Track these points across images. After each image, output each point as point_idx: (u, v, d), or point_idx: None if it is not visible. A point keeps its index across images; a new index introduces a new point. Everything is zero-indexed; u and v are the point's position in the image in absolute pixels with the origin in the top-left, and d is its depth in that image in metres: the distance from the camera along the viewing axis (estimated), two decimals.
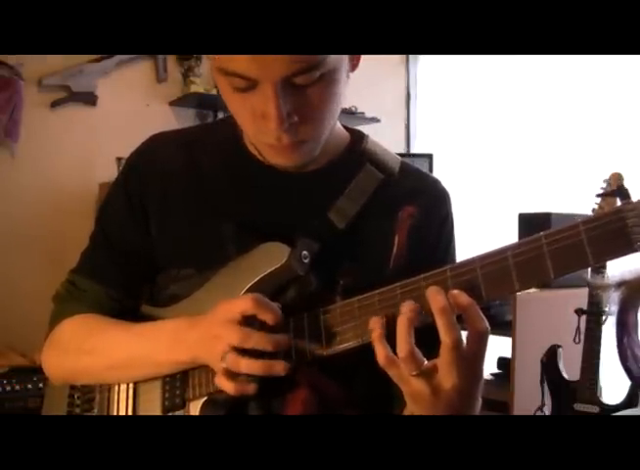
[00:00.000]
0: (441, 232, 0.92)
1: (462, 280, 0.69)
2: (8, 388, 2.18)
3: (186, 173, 0.91)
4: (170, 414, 0.85)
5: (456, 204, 0.96)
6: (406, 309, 0.69)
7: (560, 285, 2.42)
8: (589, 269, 1.88)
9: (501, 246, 0.68)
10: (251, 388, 0.77)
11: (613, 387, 2.24)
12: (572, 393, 2.16)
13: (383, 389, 0.82)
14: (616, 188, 2.04)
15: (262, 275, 0.82)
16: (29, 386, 2.20)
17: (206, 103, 3.03)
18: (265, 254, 0.83)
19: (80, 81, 2.80)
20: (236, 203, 0.89)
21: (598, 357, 2.12)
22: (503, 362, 2.64)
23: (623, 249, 0.61)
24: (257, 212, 0.88)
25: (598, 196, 2.09)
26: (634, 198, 0.62)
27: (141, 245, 0.92)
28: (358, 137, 0.94)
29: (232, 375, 0.77)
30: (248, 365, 0.75)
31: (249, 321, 0.76)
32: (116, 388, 0.91)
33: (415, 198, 0.91)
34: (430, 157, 3.14)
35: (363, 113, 3.28)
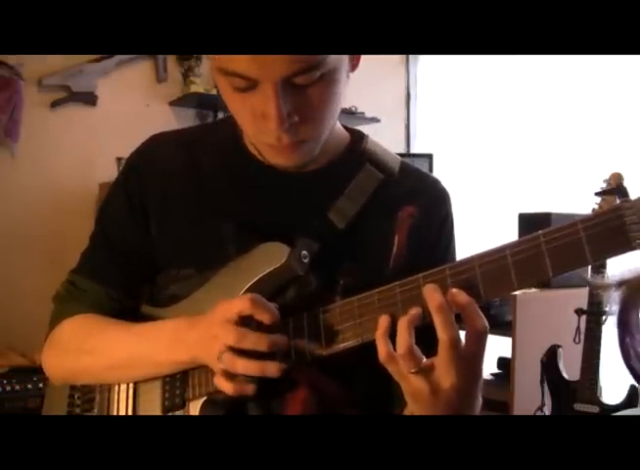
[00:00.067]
0: (441, 232, 0.92)
1: (461, 279, 0.69)
2: (8, 388, 2.18)
3: (186, 173, 0.91)
4: (170, 414, 0.85)
5: (456, 204, 0.96)
6: (410, 312, 0.69)
7: (560, 285, 2.43)
8: (589, 269, 1.89)
9: (500, 245, 0.68)
10: (249, 388, 0.77)
11: (613, 387, 2.24)
12: (572, 393, 2.16)
13: (383, 388, 0.82)
14: (615, 187, 2.04)
15: (262, 275, 0.82)
16: (29, 386, 2.20)
17: (206, 103, 3.03)
18: (265, 254, 0.83)
19: (80, 81, 2.80)
20: (236, 203, 0.89)
21: (598, 357, 2.12)
22: (503, 362, 2.64)
23: (622, 247, 0.61)
24: (257, 212, 0.88)
25: (597, 194, 2.09)
26: (633, 196, 0.62)
27: (141, 245, 0.92)
28: (358, 137, 0.95)
29: (230, 375, 0.77)
30: (244, 365, 0.75)
31: (245, 321, 0.76)
32: (116, 388, 0.91)
33: (415, 198, 0.91)
34: (430, 157, 3.14)
35: (363, 113, 3.28)
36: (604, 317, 2.11)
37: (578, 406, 2.14)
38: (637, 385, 2.02)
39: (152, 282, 0.93)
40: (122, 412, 0.89)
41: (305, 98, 0.76)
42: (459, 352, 0.68)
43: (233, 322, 0.76)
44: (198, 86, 2.99)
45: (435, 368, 0.69)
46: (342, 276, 0.85)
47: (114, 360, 0.88)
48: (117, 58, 2.88)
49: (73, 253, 1.00)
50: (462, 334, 0.69)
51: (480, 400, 0.75)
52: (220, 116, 3.00)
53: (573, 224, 0.63)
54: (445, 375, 0.69)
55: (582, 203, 2.20)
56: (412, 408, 0.75)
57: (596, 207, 2.09)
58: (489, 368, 2.69)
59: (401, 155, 0.97)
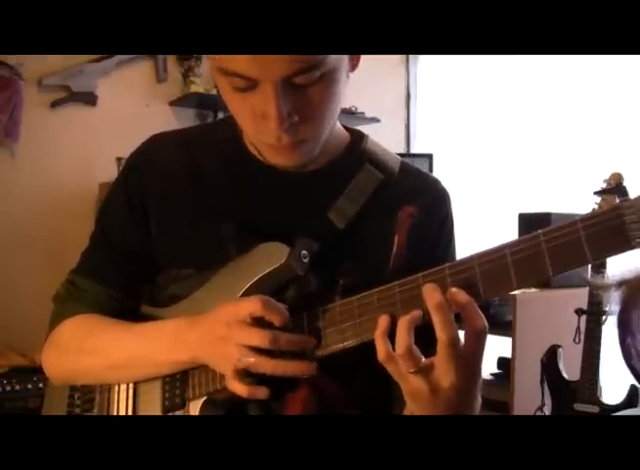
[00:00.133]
0: (441, 232, 0.92)
1: (460, 278, 0.69)
2: (8, 388, 2.18)
3: (186, 173, 0.91)
4: (170, 414, 0.85)
5: (456, 204, 0.96)
6: (411, 313, 0.69)
7: (560, 285, 2.43)
8: (589, 269, 1.89)
9: (499, 244, 0.69)
10: (261, 391, 0.76)
11: (613, 387, 2.24)
12: (572, 393, 2.16)
13: (382, 388, 0.82)
14: (614, 186, 2.04)
15: (262, 275, 0.82)
16: (29, 386, 2.20)
17: (206, 103, 3.03)
18: (265, 253, 0.83)
19: (80, 81, 2.80)
20: (236, 203, 0.89)
21: (598, 357, 2.12)
22: (503, 362, 2.64)
23: (621, 246, 0.62)
24: (257, 212, 0.88)
25: (596, 194, 2.09)
26: (632, 196, 0.62)
27: (141, 245, 0.92)
28: (358, 137, 0.95)
29: (243, 377, 0.77)
30: (274, 365, 0.75)
31: (255, 323, 0.76)
32: (116, 388, 0.91)
33: (415, 198, 0.91)
34: (430, 157, 3.14)
35: (363, 113, 3.28)
36: (604, 317, 2.11)
37: (578, 406, 2.15)
38: (638, 385, 2.02)
39: (152, 282, 0.93)
40: (122, 412, 0.89)
41: (305, 98, 0.76)
42: (458, 351, 0.68)
43: (246, 323, 0.76)
44: (198, 86, 2.99)
45: (435, 368, 0.69)
46: (341, 276, 0.85)
47: (114, 360, 0.88)
48: (117, 58, 2.88)
49: (73, 253, 1.00)
50: (461, 333, 0.69)
51: (479, 400, 0.75)
52: (220, 116, 3.00)
53: (573, 223, 0.64)
54: (444, 374, 0.69)
55: (582, 203, 2.20)
56: (411, 408, 0.75)
57: (596, 206, 2.09)
58: (489, 368, 2.69)
59: (401, 155, 0.97)
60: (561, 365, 2.22)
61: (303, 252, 0.82)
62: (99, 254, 0.95)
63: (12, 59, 2.60)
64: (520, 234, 2.50)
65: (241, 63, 0.73)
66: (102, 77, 2.87)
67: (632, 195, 0.63)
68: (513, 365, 2.39)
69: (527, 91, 3.16)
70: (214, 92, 2.93)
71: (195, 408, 0.84)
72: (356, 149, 0.92)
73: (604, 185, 2.10)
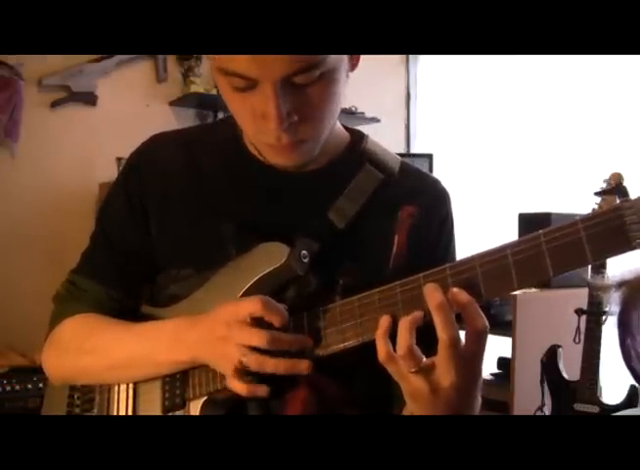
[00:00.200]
0: (441, 232, 0.92)
1: (461, 278, 0.69)
2: (8, 388, 2.18)
3: (186, 173, 0.91)
4: (170, 414, 0.85)
5: (456, 204, 0.96)
6: (412, 314, 0.69)
7: (560, 285, 2.43)
8: (589, 270, 1.89)
9: (500, 244, 0.69)
10: (261, 390, 0.77)
11: (613, 387, 2.24)
12: (572, 393, 2.16)
13: (382, 388, 0.82)
14: (615, 187, 2.04)
15: (262, 275, 0.82)
16: (29, 386, 2.20)
17: (206, 103, 3.03)
18: (265, 253, 0.83)
19: (80, 81, 2.80)
20: (236, 203, 0.89)
21: (598, 357, 2.12)
22: (503, 362, 2.64)
23: (622, 246, 0.62)
24: (257, 212, 0.88)
25: (596, 194, 2.09)
26: (633, 196, 0.62)
27: (141, 245, 0.92)
28: (358, 137, 0.95)
29: (242, 376, 0.77)
30: (274, 364, 0.75)
31: (255, 323, 0.76)
32: (116, 388, 0.91)
33: (415, 198, 0.91)
34: (430, 157, 3.14)
35: (363, 113, 3.28)
36: (604, 317, 2.11)
37: (578, 406, 2.15)
38: (638, 385, 2.02)
39: (152, 282, 0.93)
40: (122, 412, 0.89)
41: (305, 97, 0.76)
42: (459, 351, 0.68)
43: (246, 323, 0.76)
44: (198, 86, 2.99)
45: (435, 368, 0.69)
46: (342, 276, 0.85)
47: (114, 360, 0.88)
48: (117, 58, 2.88)
49: (73, 253, 1.00)
50: (462, 333, 0.69)
51: (479, 400, 0.75)
52: (220, 116, 3.00)
53: (574, 224, 0.64)
54: (445, 374, 0.69)
55: (582, 203, 2.20)
56: (411, 408, 0.75)
57: (596, 207, 2.09)
58: (489, 368, 2.69)
59: (401, 155, 0.97)
60: (561, 365, 2.22)
61: (303, 252, 0.82)
62: (99, 254, 0.95)
63: (12, 59, 2.60)
64: (520, 234, 2.50)
65: (241, 63, 0.73)
66: (102, 77, 2.87)
67: (633, 195, 0.63)
68: (513, 365, 2.39)
69: (527, 91, 3.16)
70: (214, 92, 2.93)
71: (195, 408, 0.84)
72: (356, 149, 0.92)
73: (604, 185, 2.10)
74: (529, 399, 2.27)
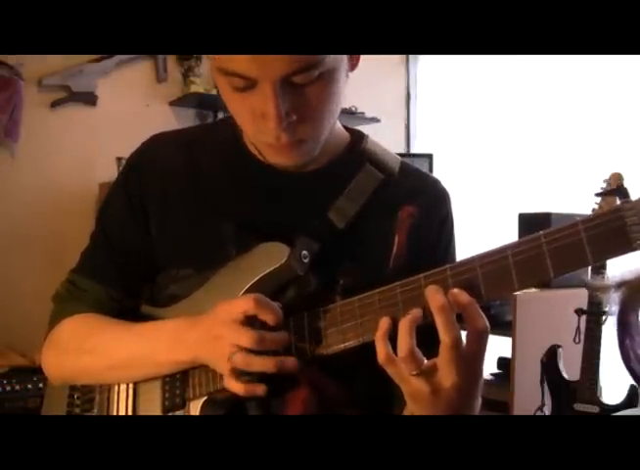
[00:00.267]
0: (441, 232, 0.92)
1: (462, 279, 0.69)
2: (8, 388, 2.18)
3: (186, 173, 0.91)
4: (170, 414, 0.85)
5: (456, 204, 0.96)
6: (411, 313, 0.69)
7: (560, 285, 2.43)
8: (589, 270, 1.89)
9: (501, 245, 0.68)
10: (259, 389, 0.77)
11: (613, 387, 2.24)
12: (572, 393, 2.16)
13: (383, 388, 0.82)
14: (615, 187, 2.04)
15: (262, 275, 0.82)
16: (29, 386, 2.20)
17: (206, 103, 3.03)
18: (265, 253, 0.83)
19: (80, 81, 2.80)
20: (236, 203, 0.89)
21: (598, 357, 2.12)
22: (503, 362, 2.65)
23: (622, 248, 0.61)
24: (257, 212, 0.88)
25: (597, 195, 2.09)
26: (634, 197, 0.62)
27: (141, 245, 0.92)
28: (358, 137, 0.95)
29: (239, 376, 0.77)
30: (260, 363, 0.75)
31: (249, 321, 0.76)
32: (116, 388, 0.91)
33: (415, 198, 0.91)
34: (430, 157, 3.15)
35: (363, 113, 3.28)
36: (604, 317, 2.11)
37: (578, 406, 2.15)
38: (637, 385, 2.02)
39: (152, 282, 0.93)
40: (122, 412, 0.89)
41: (304, 97, 0.76)
42: (460, 352, 0.68)
43: (239, 322, 0.76)
44: (198, 86, 2.99)
45: (437, 369, 0.69)
46: (342, 276, 0.85)
47: (114, 360, 0.88)
48: (117, 58, 2.88)
49: (73, 253, 1.00)
50: (463, 334, 0.69)
51: (479, 401, 0.75)
52: (220, 116, 3.00)
53: (574, 225, 0.63)
54: (446, 375, 0.69)
55: (582, 203, 2.20)
56: (412, 408, 0.75)
57: (596, 207, 2.09)
58: (489, 368, 2.69)
59: (401, 155, 0.97)
60: (561, 365, 2.22)
61: (304, 252, 0.82)
62: (99, 253, 0.95)
63: (12, 59, 2.60)
64: (520, 234, 2.50)
65: (240, 62, 0.73)
66: (102, 77, 2.87)
67: (633, 196, 0.63)
68: (513, 365, 2.39)
69: (528, 91, 3.16)
70: (214, 92, 2.93)
71: (195, 408, 0.84)
72: (356, 149, 0.92)
73: (604, 185, 2.10)
74: (529, 399, 2.27)
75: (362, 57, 0.83)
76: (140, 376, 0.88)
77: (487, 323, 0.68)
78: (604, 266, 1.73)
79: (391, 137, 3.57)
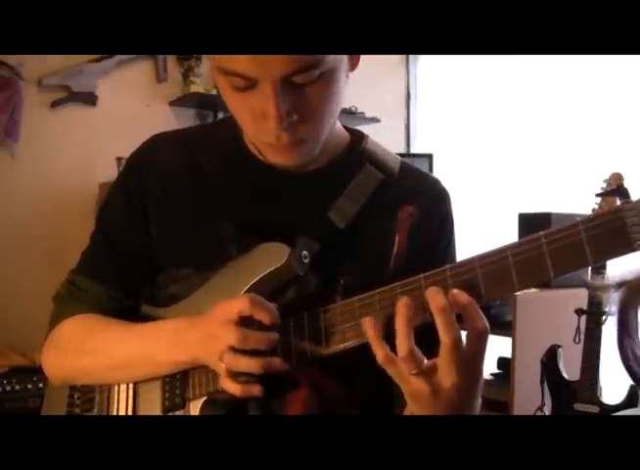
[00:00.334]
0: (441, 232, 0.92)
1: (462, 279, 0.69)
2: (8, 388, 2.18)
3: (186, 173, 0.91)
4: (170, 414, 0.85)
5: (456, 204, 0.96)
6: (402, 307, 0.69)
7: (560, 285, 2.42)
8: (589, 270, 1.89)
9: (501, 245, 0.68)
10: (256, 389, 0.77)
11: (613, 387, 2.24)
12: (572, 393, 2.16)
13: (383, 388, 0.82)
14: (615, 188, 2.04)
15: (262, 275, 0.82)
16: (29, 386, 2.20)
17: (206, 103, 3.03)
18: (265, 254, 0.83)
19: (80, 81, 2.80)
20: (236, 203, 0.89)
21: (598, 357, 2.12)
22: (503, 362, 2.65)
23: (623, 248, 0.61)
24: (257, 212, 0.88)
25: (597, 195, 2.09)
26: (634, 197, 0.62)
27: (141, 245, 0.92)
28: (358, 137, 0.95)
29: (235, 376, 0.77)
30: (246, 363, 0.75)
31: (246, 321, 0.76)
32: (116, 388, 0.91)
33: (415, 197, 0.91)
34: (430, 157, 3.15)
35: (363, 113, 3.28)
36: (604, 317, 2.11)
37: (578, 406, 2.15)
38: (636, 386, 2.03)
39: (152, 282, 0.93)
40: (122, 412, 0.89)
41: (304, 97, 0.76)
42: (460, 352, 0.68)
43: (234, 322, 0.76)
44: (198, 86, 2.99)
45: (437, 369, 0.69)
46: (342, 276, 0.85)
47: (114, 360, 0.88)
48: (117, 58, 2.88)
49: (73, 253, 1.00)
50: (463, 334, 0.69)
51: (479, 401, 0.75)
52: (220, 116, 3.00)
53: (574, 225, 0.63)
54: (447, 375, 0.69)
55: (582, 203, 2.20)
56: (412, 408, 0.75)
57: (596, 207, 2.09)
58: (489, 368, 2.69)
59: (401, 155, 0.97)
60: (561, 365, 2.22)
61: (304, 252, 0.82)
62: (99, 253, 0.95)
63: (12, 59, 2.60)
64: (520, 234, 2.50)
65: (240, 62, 0.73)
66: (102, 77, 2.87)
67: (633, 196, 0.63)
68: (513, 365, 2.39)
69: (528, 91, 3.16)
70: (214, 92, 2.93)
71: (195, 408, 0.84)
72: (356, 149, 0.92)
73: (604, 185, 2.10)
74: (529, 399, 2.27)
75: (362, 57, 0.83)
76: (140, 376, 0.88)
77: (487, 323, 0.68)
78: (604, 266, 1.74)
79: (391, 137, 3.57)
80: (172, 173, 0.91)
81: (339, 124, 0.92)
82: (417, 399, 0.72)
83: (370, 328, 0.71)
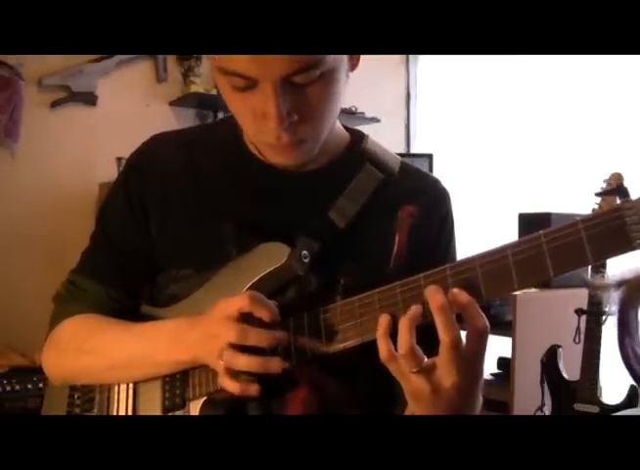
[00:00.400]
0: (442, 231, 0.92)
1: (462, 278, 0.69)
2: (8, 388, 2.18)
3: (186, 173, 0.91)
4: (170, 414, 0.85)
5: (456, 203, 0.96)
6: (410, 310, 0.69)
7: (560, 285, 2.43)
8: (589, 269, 1.89)
9: (500, 244, 0.69)
10: (253, 388, 0.76)
11: (613, 387, 2.24)
12: (572, 393, 2.16)
13: (384, 387, 0.82)
14: (615, 187, 2.04)
15: (262, 275, 0.82)
16: (29, 386, 2.20)
17: (206, 103, 3.03)
18: (265, 253, 0.83)
19: (80, 81, 2.80)
20: (236, 203, 0.89)
21: (598, 357, 2.12)
22: (503, 362, 2.65)
23: (622, 247, 0.61)
24: (257, 212, 0.88)
25: (597, 195, 2.09)
26: (634, 197, 0.62)
27: (141, 245, 0.92)
28: (358, 137, 0.95)
29: (234, 374, 0.77)
30: (245, 362, 0.75)
31: (246, 319, 0.76)
32: (116, 388, 0.91)
33: (415, 197, 0.91)
34: (430, 157, 3.15)
35: (363, 113, 3.28)
36: (604, 317, 2.11)
37: (578, 406, 2.15)
38: (637, 385, 2.03)
39: (152, 282, 0.93)
40: (122, 412, 0.89)
41: (305, 97, 0.76)
42: (460, 351, 0.68)
43: (234, 319, 0.76)
44: (198, 86, 2.99)
45: (437, 368, 0.69)
46: (342, 276, 0.85)
47: (114, 360, 0.88)
48: (117, 58, 2.88)
49: (73, 253, 1.00)
50: (463, 334, 0.69)
51: (480, 400, 0.75)
52: (220, 116, 3.00)
53: (574, 224, 0.64)
54: (446, 375, 0.69)
55: (582, 203, 2.20)
56: (413, 408, 0.75)
57: (596, 207, 2.09)
58: (489, 368, 2.69)
59: (401, 155, 0.97)
60: (561, 365, 2.22)
61: (304, 252, 0.82)
62: (99, 254, 0.95)
63: (12, 59, 2.60)
64: (520, 234, 2.50)
65: (240, 62, 0.73)
66: (102, 77, 2.87)
67: (633, 195, 0.63)
68: (513, 365, 2.39)
69: (527, 91, 3.16)
70: (214, 92, 2.93)
71: (195, 408, 0.84)
72: (356, 149, 0.92)
73: (604, 185, 2.10)
74: (529, 399, 2.27)
75: (362, 57, 0.83)
76: (140, 376, 0.88)
77: (487, 323, 0.68)
78: (604, 265, 1.74)
79: (391, 137, 3.57)
80: (172, 173, 0.91)
81: (339, 124, 0.92)
82: (417, 398, 0.72)
83: (381, 324, 0.71)
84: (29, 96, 2.69)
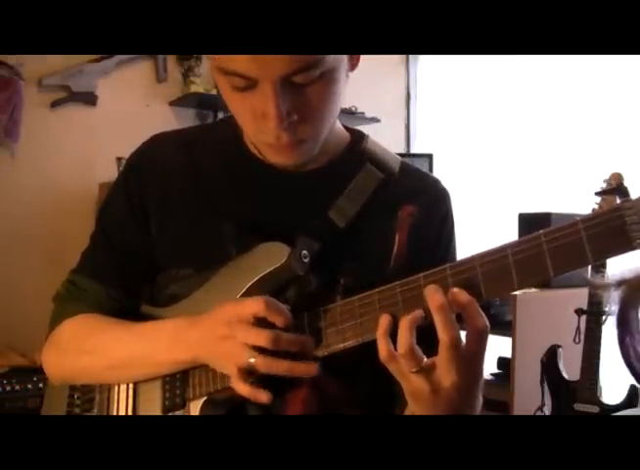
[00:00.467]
0: (442, 231, 0.92)
1: (462, 278, 0.69)
2: (8, 388, 2.18)
3: (186, 173, 0.91)
4: (170, 414, 0.85)
5: (456, 203, 0.96)
6: (411, 311, 0.69)
7: (560, 285, 2.43)
8: (589, 269, 1.89)
9: (500, 244, 0.69)
10: (265, 395, 0.76)
11: (613, 387, 2.24)
12: (572, 393, 2.16)
13: (384, 387, 0.82)
14: (615, 187, 2.04)
15: (262, 275, 0.82)
16: (29, 386, 2.20)
17: (206, 103, 3.03)
18: (265, 253, 0.83)
19: (80, 81, 2.80)
20: (236, 202, 0.89)
21: (598, 357, 2.12)
22: (503, 362, 2.65)
23: (622, 246, 0.61)
24: (257, 212, 0.88)
25: (597, 194, 2.09)
26: (633, 196, 0.62)
27: (141, 245, 0.92)
28: (358, 137, 0.95)
29: (247, 378, 0.76)
30: (286, 367, 0.75)
31: (258, 323, 0.76)
32: (116, 388, 0.91)
33: (415, 197, 0.91)
34: (430, 157, 3.15)
35: (363, 113, 3.28)
36: (604, 317, 2.11)
37: (578, 406, 2.15)
38: (637, 385, 2.03)
39: (152, 282, 0.93)
40: (122, 412, 0.89)
41: (304, 97, 0.76)
42: (460, 351, 0.68)
43: (249, 323, 0.76)
44: (198, 86, 2.99)
45: (436, 368, 0.69)
46: (342, 276, 0.85)
47: (115, 360, 0.88)
48: (117, 58, 2.88)
49: (73, 253, 1.00)
50: (462, 333, 0.69)
51: (480, 400, 0.75)
52: (220, 116, 3.00)
53: (574, 224, 0.64)
54: (446, 374, 0.69)
55: (582, 203, 2.20)
56: (413, 408, 0.75)
57: (596, 207, 2.09)
58: (489, 368, 2.69)
59: (401, 155, 0.97)
60: (561, 365, 2.22)
61: (304, 251, 0.82)
62: (99, 253, 0.95)
63: (12, 59, 2.60)
64: (520, 234, 2.50)
65: (240, 62, 0.73)
66: (102, 77, 2.87)
67: (633, 195, 0.63)
68: (513, 365, 2.39)
69: (527, 91, 3.16)
70: (214, 92, 2.93)
71: (195, 408, 0.84)
72: (356, 149, 0.92)
73: (604, 185, 2.11)
74: (529, 399, 2.27)
75: (362, 57, 0.83)
76: (140, 376, 0.88)
77: (487, 323, 0.68)
78: (604, 265, 1.74)
79: (391, 137, 3.57)
80: (172, 173, 0.91)
81: (339, 124, 0.92)
82: (417, 398, 0.72)
83: (382, 324, 0.71)
84: (29, 96, 2.69)
